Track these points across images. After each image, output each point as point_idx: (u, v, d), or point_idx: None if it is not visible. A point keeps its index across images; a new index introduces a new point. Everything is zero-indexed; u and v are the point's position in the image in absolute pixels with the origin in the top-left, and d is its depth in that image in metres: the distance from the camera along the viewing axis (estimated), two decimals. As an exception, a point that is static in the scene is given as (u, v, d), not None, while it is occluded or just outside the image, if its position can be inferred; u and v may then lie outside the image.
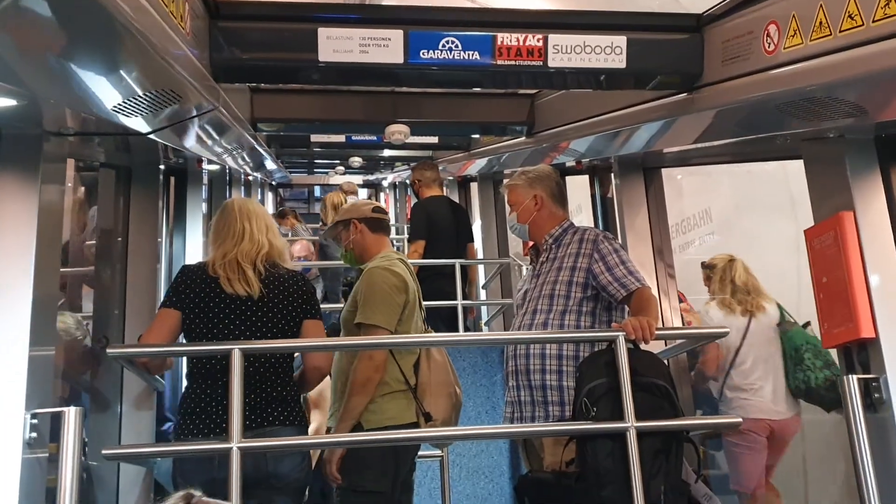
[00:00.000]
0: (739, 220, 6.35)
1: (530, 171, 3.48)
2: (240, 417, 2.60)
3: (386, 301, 3.11)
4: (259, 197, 11.39)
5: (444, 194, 6.53)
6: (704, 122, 3.29)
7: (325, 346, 3.17)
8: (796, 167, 3.29)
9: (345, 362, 3.14)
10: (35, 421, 1.84)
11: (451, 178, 8.00)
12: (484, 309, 6.86)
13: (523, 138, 5.18)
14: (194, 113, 2.87)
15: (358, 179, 11.76)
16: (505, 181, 4.70)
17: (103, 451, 2.49)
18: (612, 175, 4.51)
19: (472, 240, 6.12)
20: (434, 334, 3.80)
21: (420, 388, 3.19)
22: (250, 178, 8.84)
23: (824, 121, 2.73)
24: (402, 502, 3.25)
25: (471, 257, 6.09)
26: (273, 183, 11.67)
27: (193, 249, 4.99)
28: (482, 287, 7.03)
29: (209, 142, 3.86)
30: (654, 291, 3.96)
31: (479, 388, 5.37)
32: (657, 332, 2.86)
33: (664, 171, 4.43)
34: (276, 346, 2.85)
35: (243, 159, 5.69)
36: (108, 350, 2.57)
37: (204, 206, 6.00)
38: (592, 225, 5.07)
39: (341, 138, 7.12)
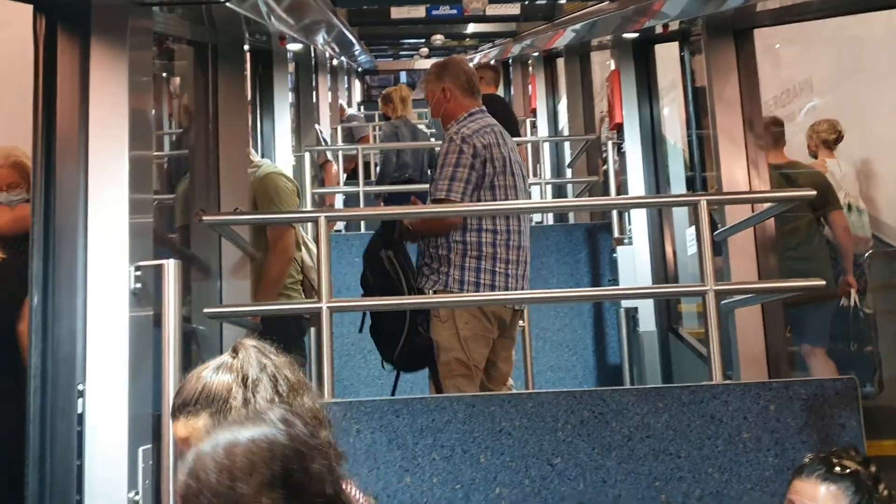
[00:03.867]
0: (844, 89, 6.01)
1: (439, 63, 3.54)
2: (328, 279, 2.75)
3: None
4: (346, 84, 11.47)
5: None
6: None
7: (428, 212, 3.23)
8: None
9: None
10: (139, 273, 1.97)
11: (535, 53, 7.82)
12: (570, 187, 6.82)
13: (608, 2, 4.99)
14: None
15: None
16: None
17: (205, 311, 2.68)
18: (701, 41, 4.31)
19: (518, 134, 6.34)
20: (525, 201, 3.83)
21: None
22: (335, 62, 8.86)
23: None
24: None
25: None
26: (359, 70, 11.68)
27: (282, 133, 5.13)
28: (567, 166, 6.98)
29: (289, 16, 3.89)
30: (744, 164, 3.88)
31: (563, 265, 5.43)
32: (745, 196, 2.82)
33: (759, 40, 4.19)
34: (357, 213, 2.96)
35: (325, 38, 5.71)
36: (203, 218, 2.71)
37: (291, 96, 6.11)
38: (683, 99, 4.93)
39: (421, 12, 7.01)
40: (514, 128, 6.54)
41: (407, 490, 2.65)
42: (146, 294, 2.03)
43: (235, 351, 1.53)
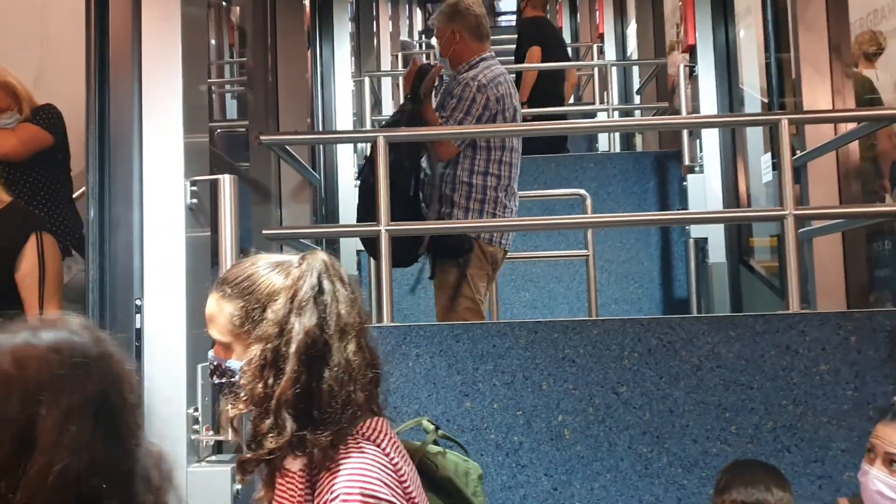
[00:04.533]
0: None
1: (450, 3, 3.45)
2: (386, 202, 2.68)
3: None
4: (406, 13, 11.24)
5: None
6: None
7: (486, 131, 3.13)
8: None
9: None
10: (195, 188, 1.93)
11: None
12: (638, 115, 6.60)
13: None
14: None
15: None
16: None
17: (264, 232, 2.64)
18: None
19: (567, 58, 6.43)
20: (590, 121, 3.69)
21: None
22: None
23: None
24: None
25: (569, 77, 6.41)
26: (421, -2, 11.42)
27: (341, 59, 5.03)
28: (636, 92, 6.73)
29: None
30: (828, 91, 3.64)
31: (630, 195, 5.26)
32: (829, 115, 2.63)
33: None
34: (417, 132, 2.86)
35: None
36: (261, 137, 2.66)
37: (351, 25, 5.98)
38: (762, 18, 4.65)
39: (484, -66, 6.76)
40: (563, 52, 6.34)
41: (467, 415, 2.62)
42: (203, 210, 1.99)
43: (304, 259, 1.42)
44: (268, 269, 1.41)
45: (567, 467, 2.55)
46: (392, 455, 1.38)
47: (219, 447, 2.05)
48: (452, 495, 1.65)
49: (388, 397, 2.60)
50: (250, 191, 3.34)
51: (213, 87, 3.94)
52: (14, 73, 3.48)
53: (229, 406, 1.35)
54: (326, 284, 1.36)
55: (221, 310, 1.40)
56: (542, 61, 5.85)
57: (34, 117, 3.71)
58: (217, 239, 1.93)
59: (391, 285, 2.65)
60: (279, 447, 1.28)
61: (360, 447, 1.32)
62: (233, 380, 1.39)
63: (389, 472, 1.35)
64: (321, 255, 1.43)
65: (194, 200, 1.93)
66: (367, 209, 2.96)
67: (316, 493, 1.33)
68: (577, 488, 2.55)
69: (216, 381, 1.43)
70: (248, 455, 1.33)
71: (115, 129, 1.90)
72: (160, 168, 1.92)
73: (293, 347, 1.31)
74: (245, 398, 1.33)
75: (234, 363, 1.39)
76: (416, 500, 1.41)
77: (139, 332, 1.86)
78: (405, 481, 1.38)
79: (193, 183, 1.92)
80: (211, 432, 1.98)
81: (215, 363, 1.42)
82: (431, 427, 1.75)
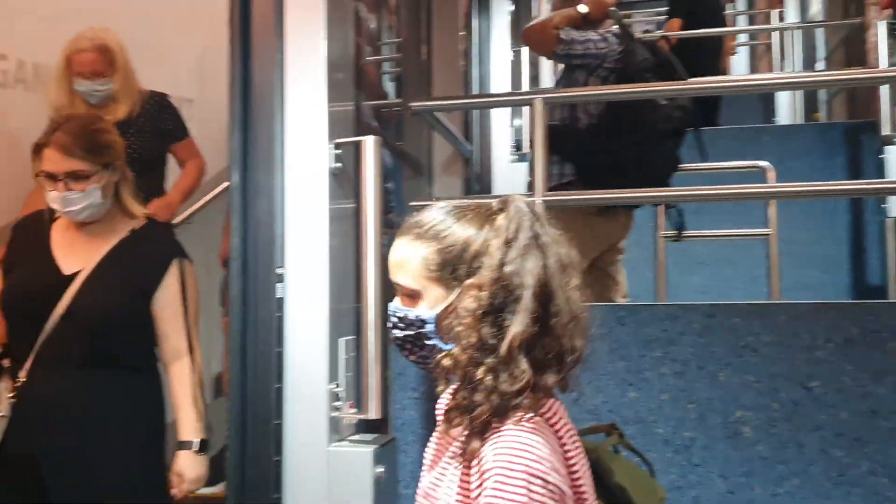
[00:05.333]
0: None
1: None
2: (543, 171, 2.48)
3: None
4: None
5: None
6: None
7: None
8: None
9: None
10: (338, 151, 1.82)
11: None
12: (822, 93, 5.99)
13: None
14: None
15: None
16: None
17: (411, 203, 2.51)
18: None
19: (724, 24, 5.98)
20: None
21: None
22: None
23: None
24: None
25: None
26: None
27: (499, 29, 4.85)
28: (823, 59, 6.11)
29: None
30: None
31: (816, 170, 4.75)
32: None
33: None
34: (575, 94, 2.64)
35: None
36: (412, 105, 2.54)
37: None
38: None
39: None
40: (718, 22, 5.81)
41: (631, 406, 2.38)
42: (347, 176, 1.87)
43: (506, 202, 1.32)
44: (461, 212, 1.32)
45: (746, 469, 2.25)
46: (566, 442, 1.24)
47: (361, 426, 1.94)
48: None
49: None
50: (404, 165, 3.25)
51: (371, 67, 3.88)
52: (119, 38, 3.50)
53: (444, 358, 1.24)
54: (538, 227, 1.29)
55: (415, 254, 1.30)
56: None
57: (162, 112, 3.58)
58: (359, 204, 1.80)
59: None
60: (517, 391, 1.20)
61: (535, 421, 1.20)
62: (421, 330, 1.30)
63: (560, 457, 1.20)
64: (522, 199, 1.34)
65: (338, 164, 1.81)
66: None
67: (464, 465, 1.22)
68: (758, 492, 2.25)
69: (400, 335, 1.33)
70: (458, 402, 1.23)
71: (257, 88, 1.81)
72: (303, 130, 1.81)
73: (526, 290, 1.23)
74: (466, 345, 1.22)
75: (425, 312, 1.29)
76: (584, 492, 1.25)
77: (280, 302, 1.77)
78: (576, 473, 1.23)
79: (337, 146, 1.80)
80: (354, 409, 1.87)
81: (400, 314, 1.32)
82: (615, 431, 1.58)
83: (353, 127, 1.98)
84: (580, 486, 1.25)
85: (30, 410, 2.22)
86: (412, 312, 1.30)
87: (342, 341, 1.84)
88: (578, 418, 2.38)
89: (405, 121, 3.26)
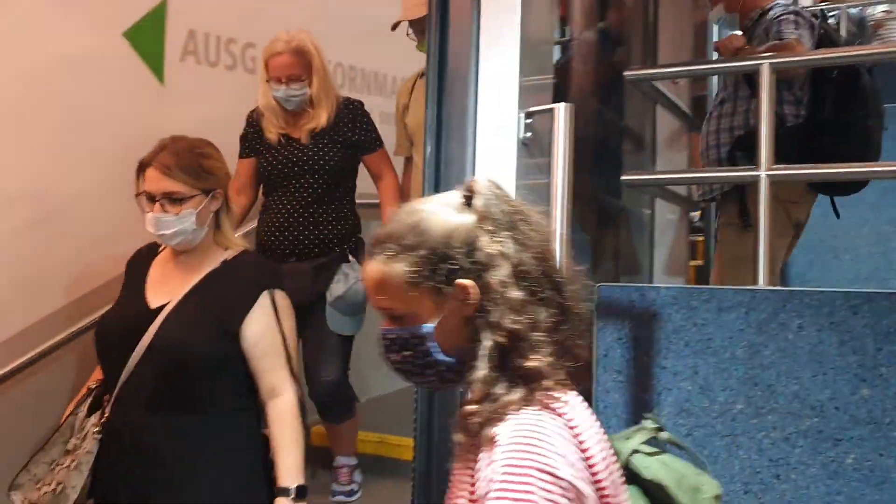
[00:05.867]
0: None
1: None
2: (769, 144, 2.26)
3: None
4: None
5: None
6: None
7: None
8: None
9: None
10: (529, 121, 1.79)
11: None
12: None
13: None
14: None
15: None
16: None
17: (623, 177, 2.42)
18: None
19: None
20: None
21: None
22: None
23: None
24: None
25: None
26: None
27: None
28: None
29: None
30: None
31: None
32: None
33: None
34: (810, 57, 2.36)
35: None
36: (626, 74, 2.43)
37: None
38: None
39: None
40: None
41: (863, 404, 2.12)
42: (540, 146, 1.84)
43: (472, 187, 1.27)
44: (427, 212, 1.25)
45: None
46: (579, 432, 1.12)
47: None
48: None
49: (761, 373, 2.23)
50: (621, 139, 3.13)
51: (588, 36, 3.77)
52: (315, 40, 3.40)
53: (479, 370, 1.16)
54: (507, 206, 1.23)
55: (393, 273, 1.22)
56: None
57: (356, 121, 3.47)
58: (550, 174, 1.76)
59: (770, 240, 2.24)
60: (543, 368, 1.14)
61: (539, 414, 1.12)
62: (421, 348, 1.23)
63: (574, 448, 1.08)
64: (486, 180, 1.28)
65: (528, 134, 1.79)
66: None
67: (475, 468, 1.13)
68: None
69: (398, 358, 1.26)
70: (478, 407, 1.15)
71: (452, 65, 1.83)
72: (495, 100, 1.81)
73: (533, 272, 1.18)
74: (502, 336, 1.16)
75: (420, 328, 1.22)
76: (607, 495, 1.12)
77: (468, 272, 1.77)
78: (595, 466, 1.11)
79: (528, 115, 1.77)
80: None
81: (393, 336, 1.25)
82: (651, 425, 1.42)
83: (554, 98, 1.94)
84: (600, 480, 1.13)
85: (112, 449, 2.15)
86: (407, 331, 1.23)
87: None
88: (800, 413, 2.18)
89: (626, 93, 3.13)
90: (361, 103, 3.62)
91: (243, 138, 3.69)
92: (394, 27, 3.76)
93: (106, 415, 2.16)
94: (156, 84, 3.83)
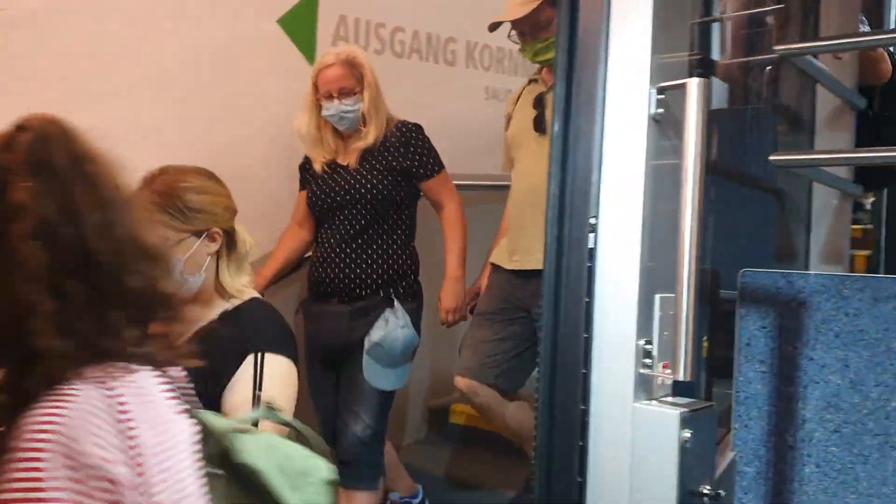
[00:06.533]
0: None
1: None
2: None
3: None
4: None
5: None
6: None
7: None
8: None
9: None
10: (661, 96, 1.74)
11: None
12: None
13: None
14: None
15: None
16: None
17: (771, 157, 2.29)
18: None
19: None
20: None
21: None
22: None
23: None
24: None
25: None
26: None
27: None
28: None
29: None
30: None
31: None
32: None
33: None
34: None
35: None
36: (776, 48, 2.28)
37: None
38: None
39: None
40: None
41: None
42: (672, 123, 1.78)
43: (26, 126, 1.12)
44: None
45: None
46: (134, 417, 1.01)
47: (677, 389, 1.84)
48: (257, 491, 1.19)
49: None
50: (775, 118, 2.94)
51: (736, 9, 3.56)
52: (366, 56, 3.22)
53: None
54: (74, 153, 1.07)
55: None
56: None
57: (408, 146, 3.24)
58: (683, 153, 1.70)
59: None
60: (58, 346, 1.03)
61: (73, 387, 1.00)
62: None
63: (107, 420, 0.99)
64: (49, 115, 1.12)
65: (660, 110, 1.73)
66: None
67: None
68: None
69: None
70: None
71: (582, 40, 1.80)
72: (625, 75, 1.76)
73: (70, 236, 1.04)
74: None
75: None
76: (159, 482, 1.01)
77: (592, 253, 1.75)
78: (135, 440, 1.01)
79: (660, 90, 1.72)
80: (668, 370, 1.79)
81: None
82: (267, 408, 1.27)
83: (690, 69, 1.86)
84: (150, 474, 1.01)
85: None
86: None
87: (658, 298, 1.77)
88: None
89: (782, 68, 2.94)
90: (418, 127, 3.39)
91: (300, 168, 3.59)
92: (492, 28, 3.51)
93: None
94: (308, 69, 4.00)
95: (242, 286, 1.97)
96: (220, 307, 1.95)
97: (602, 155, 1.78)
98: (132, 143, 3.43)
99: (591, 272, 1.78)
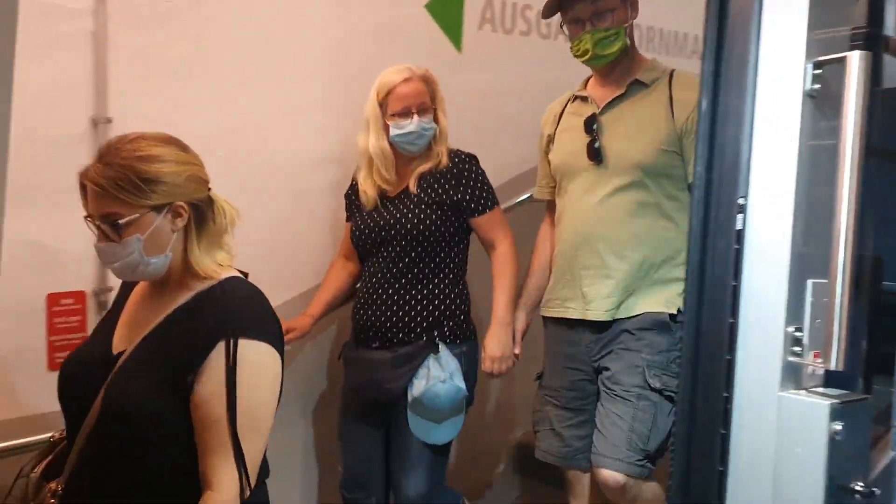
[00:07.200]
0: None
1: None
2: None
3: None
4: None
5: None
6: None
7: None
8: None
9: None
10: (818, 71, 1.66)
11: None
12: None
13: None
14: None
15: None
16: None
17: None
18: None
19: None
20: None
21: None
22: None
23: None
24: None
25: None
26: None
27: None
28: None
29: None
30: None
31: None
32: None
33: None
34: None
35: None
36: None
37: None
38: None
39: None
40: None
41: None
42: (830, 100, 1.69)
43: None
44: None
45: None
46: None
47: (831, 381, 1.76)
48: None
49: None
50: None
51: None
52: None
53: None
54: None
55: None
56: None
57: (461, 177, 3.03)
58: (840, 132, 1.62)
59: None
60: None
61: None
62: None
63: None
64: None
65: (816, 86, 1.65)
66: None
67: None
68: None
69: None
70: None
71: (733, 15, 1.74)
72: (778, 49, 1.69)
73: None
74: None
75: None
76: None
77: (740, 235, 1.70)
78: None
79: (817, 65, 1.64)
80: (820, 359, 1.72)
81: None
82: None
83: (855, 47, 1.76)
84: None
85: None
86: None
87: (810, 283, 1.69)
88: None
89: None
90: (473, 157, 3.19)
91: (346, 196, 3.42)
92: (546, 14, 3.28)
93: (63, 481, 1.77)
94: (454, 53, 4.05)
95: (217, 265, 1.80)
96: (194, 289, 1.80)
97: (752, 133, 1.71)
98: (283, 126, 3.58)
99: (738, 255, 1.72)
